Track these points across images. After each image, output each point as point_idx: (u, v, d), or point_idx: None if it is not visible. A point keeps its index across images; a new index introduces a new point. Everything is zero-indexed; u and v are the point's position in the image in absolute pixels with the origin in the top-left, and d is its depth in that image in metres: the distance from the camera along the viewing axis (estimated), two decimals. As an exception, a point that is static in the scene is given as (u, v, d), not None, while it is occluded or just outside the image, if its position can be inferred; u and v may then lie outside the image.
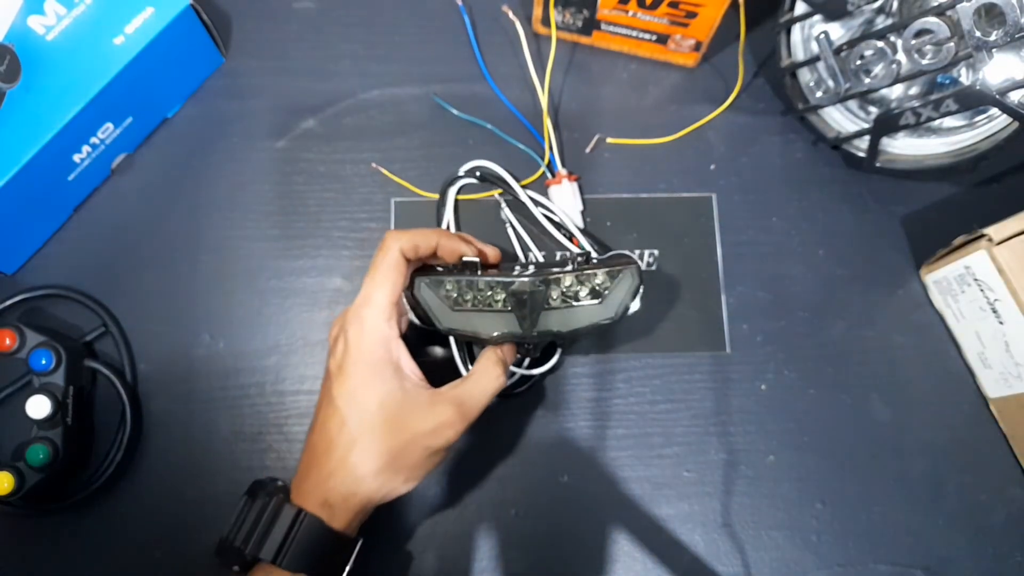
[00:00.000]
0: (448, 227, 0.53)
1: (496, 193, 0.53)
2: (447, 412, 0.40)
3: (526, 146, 0.54)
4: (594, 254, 0.51)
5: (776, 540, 0.49)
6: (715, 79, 0.57)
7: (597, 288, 0.44)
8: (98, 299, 0.51)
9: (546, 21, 0.54)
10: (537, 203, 0.52)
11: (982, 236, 0.46)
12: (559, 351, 0.50)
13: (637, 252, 0.53)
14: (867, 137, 0.50)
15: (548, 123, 0.53)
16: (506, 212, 0.53)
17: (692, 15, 0.51)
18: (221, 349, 0.51)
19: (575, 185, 0.53)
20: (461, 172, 0.53)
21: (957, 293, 0.50)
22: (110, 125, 0.50)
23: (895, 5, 0.48)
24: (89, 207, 0.53)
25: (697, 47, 0.54)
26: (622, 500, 0.49)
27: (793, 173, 0.55)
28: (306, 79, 0.56)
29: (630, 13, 0.52)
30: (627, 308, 0.44)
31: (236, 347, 0.51)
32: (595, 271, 0.43)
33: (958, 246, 0.48)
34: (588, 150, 0.55)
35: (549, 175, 0.53)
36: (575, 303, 0.44)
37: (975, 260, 0.47)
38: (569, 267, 0.44)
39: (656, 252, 0.53)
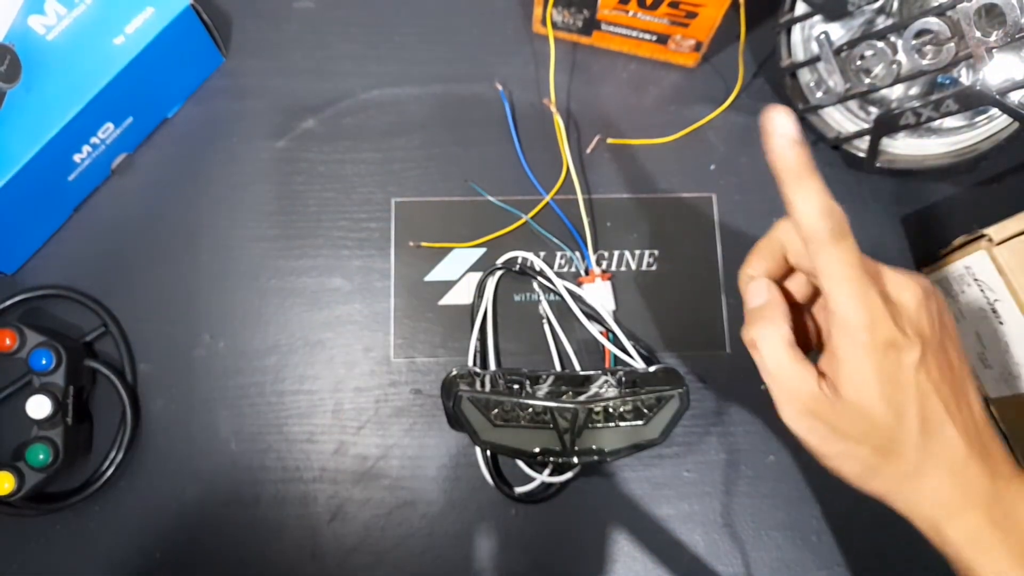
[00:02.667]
0: (485, 319, 0.51)
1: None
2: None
3: (559, 239, 0.52)
4: (640, 363, 0.50)
5: (776, 540, 0.49)
6: (715, 79, 0.57)
7: (642, 409, 0.44)
8: (98, 299, 0.51)
9: (546, 21, 0.54)
10: (577, 298, 0.51)
11: (982, 236, 0.46)
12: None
13: (637, 252, 0.53)
14: (867, 137, 0.50)
15: (586, 222, 0.52)
16: (544, 307, 0.52)
17: (692, 15, 0.51)
18: (221, 349, 0.51)
19: (608, 284, 0.51)
20: (499, 263, 0.52)
21: (957, 293, 0.50)
22: (110, 125, 0.50)
23: (895, 5, 0.48)
24: (89, 207, 0.53)
25: (697, 47, 0.54)
26: (622, 500, 0.49)
27: (793, 173, 0.55)
28: (306, 79, 0.56)
29: (630, 13, 0.52)
30: (671, 431, 0.44)
31: (236, 347, 0.51)
32: (642, 396, 0.43)
33: (958, 246, 0.48)
34: (588, 150, 0.55)
35: (582, 273, 0.52)
36: (618, 423, 0.44)
37: (975, 260, 0.47)
38: (614, 390, 0.44)
39: (656, 252, 0.53)
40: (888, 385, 0.32)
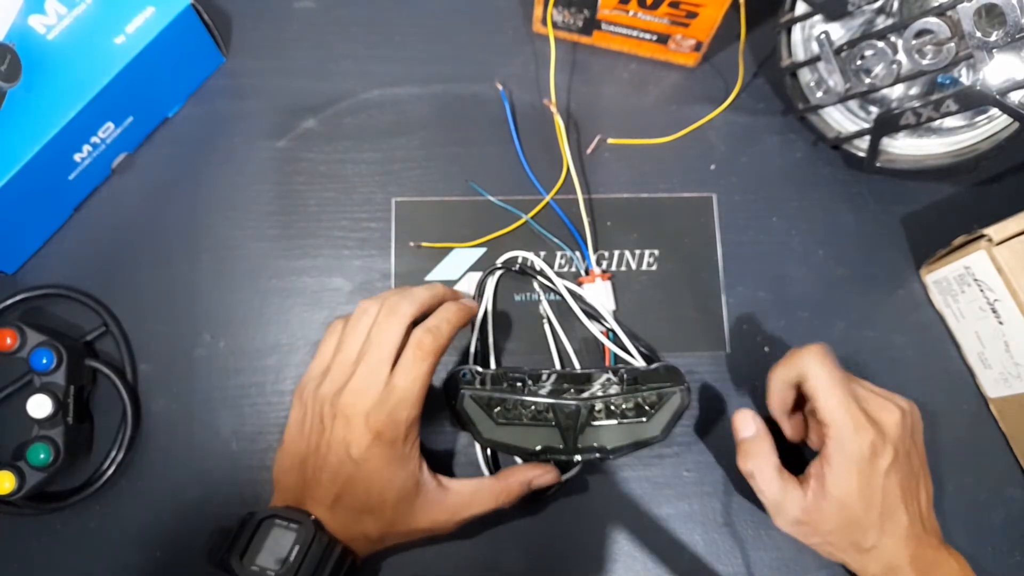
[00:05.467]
0: (486, 319, 0.51)
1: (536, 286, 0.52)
2: (444, 516, 0.43)
3: (559, 239, 0.52)
4: (641, 361, 0.50)
5: (776, 540, 0.49)
6: (715, 79, 0.57)
7: (644, 406, 0.44)
8: (98, 298, 0.51)
9: (546, 21, 0.54)
10: (577, 298, 0.51)
11: (982, 236, 0.46)
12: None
13: (637, 252, 0.53)
14: (867, 137, 0.50)
15: (586, 222, 0.52)
16: (545, 307, 0.52)
17: (693, 15, 0.51)
18: (222, 349, 0.51)
19: (608, 284, 0.51)
20: (499, 262, 0.52)
21: (957, 293, 0.50)
22: (111, 124, 0.50)
23: (895, 5, 0.48)
24: (89, 207, 0.53)
25: (697, 47, 0.54)
26: (622, 500, 0.49)
27: (793, 173, 0.55)
28: (306, 79, 0.56)
29: (630, 13, 0.52)
30: (673, 428, 0.44)
31: (237, 347, 0.51)
32: (643, 393, 0.44)
33: (958, 246, 0.48)
34: (589, 150, 0.55)
35: (583, 273, 0.52)
36: (620, 420, 0.44)
37: (975, 260, 0.47)
38: (616, 387, 0.45)
39: (656, 252, 0.53)
40: (864, 484, 0.42)
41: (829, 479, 0.42)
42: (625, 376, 0.46)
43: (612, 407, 0.44)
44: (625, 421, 0.44)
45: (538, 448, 0.44)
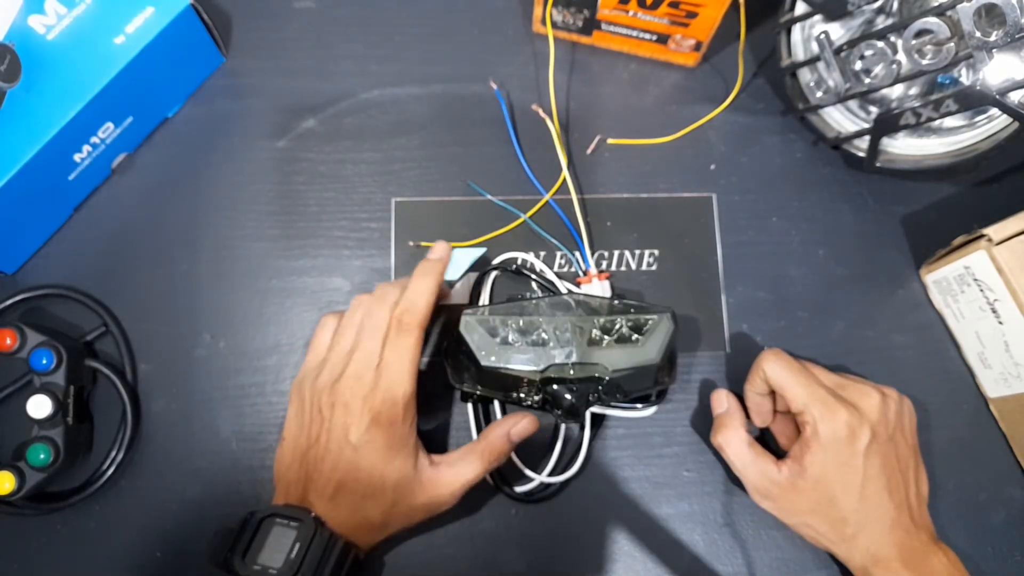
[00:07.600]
0: None
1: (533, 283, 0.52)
2: (440, 490, 0.43)
3: (558, 239, 0.52)
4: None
5: (776, 540, 0.49)
6: (715, 79, 0.57)
7: (633, 331, 0.44)
8: (98, 299, 0.51)
9: (546, 21, 0.54)
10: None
11: (982, 236, 0.46)
12: (583, 453, 0.49)
13: (637, 252, 0.53)
14: (867, 137, 0.50)
15: (582, 223, 0.52)
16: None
17: (692, 15, 0.51)
18: (222, 349, 0.51)
19: (606, 284, 0.51)
20: (495, 262, 0.52)
21: (957, 293, 0.50)
22: (110, 124, 0.50)
23: (895, 5, 0.48)
24: (89, 207, 0.53)
25: (697, 47, 0.54)
26: (622, 500, 0.49)
27: (793, 173, 0.55)
28: (306, 79, 0.56)
29: (630, 13, 0.52)
30: (665, 353, 0.44)
31: (237, 347, 0.51)
32: (632, 310, 0.45)
33: (958, 246, 0.48)
34: (589, 151, 0.55)
35: (580, 273, 0.52)
36: (616, 344, 0.44)
37: (975, 260, 0.47)
38: (608, 305, 0.46)
39: (656, 252, 0.53)
40: (841, 462, 0.43)
41: (806, 458, 0.43)
42: (615, 303, 0.47)
43: (609, 324, 0.44)
44: (619, 345, 0.44)
45: (543, 367, 0.43)
